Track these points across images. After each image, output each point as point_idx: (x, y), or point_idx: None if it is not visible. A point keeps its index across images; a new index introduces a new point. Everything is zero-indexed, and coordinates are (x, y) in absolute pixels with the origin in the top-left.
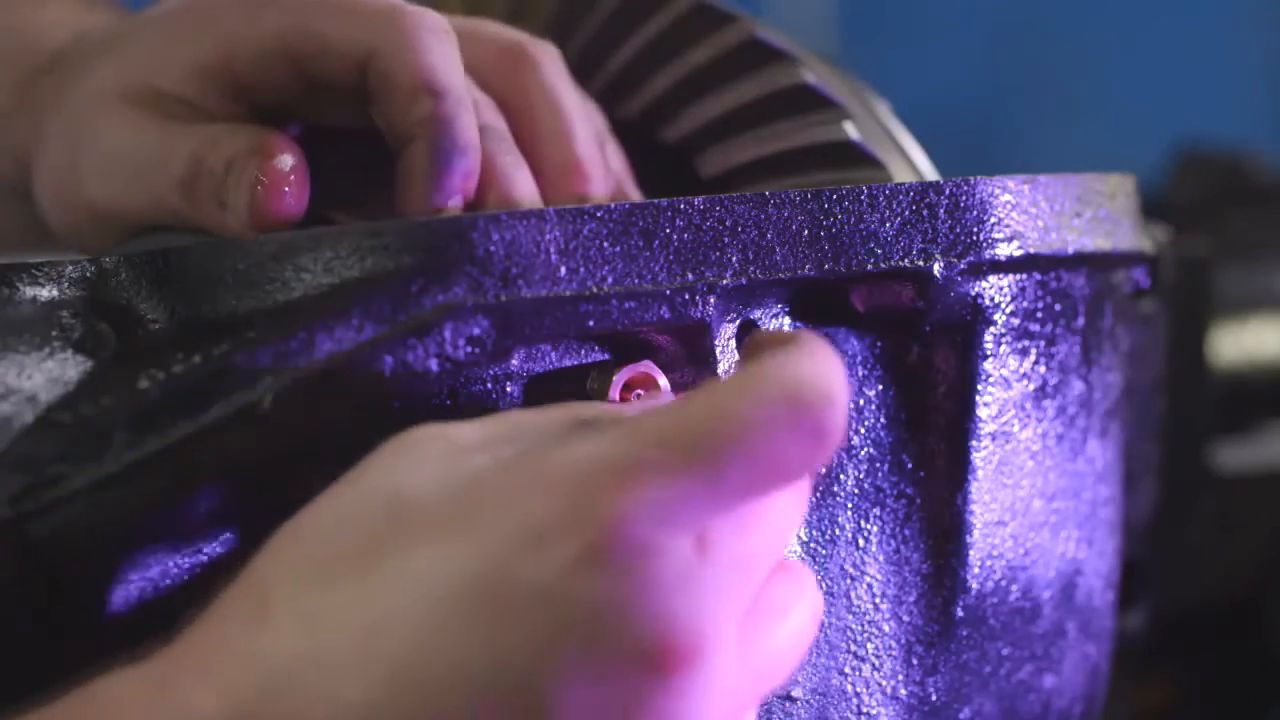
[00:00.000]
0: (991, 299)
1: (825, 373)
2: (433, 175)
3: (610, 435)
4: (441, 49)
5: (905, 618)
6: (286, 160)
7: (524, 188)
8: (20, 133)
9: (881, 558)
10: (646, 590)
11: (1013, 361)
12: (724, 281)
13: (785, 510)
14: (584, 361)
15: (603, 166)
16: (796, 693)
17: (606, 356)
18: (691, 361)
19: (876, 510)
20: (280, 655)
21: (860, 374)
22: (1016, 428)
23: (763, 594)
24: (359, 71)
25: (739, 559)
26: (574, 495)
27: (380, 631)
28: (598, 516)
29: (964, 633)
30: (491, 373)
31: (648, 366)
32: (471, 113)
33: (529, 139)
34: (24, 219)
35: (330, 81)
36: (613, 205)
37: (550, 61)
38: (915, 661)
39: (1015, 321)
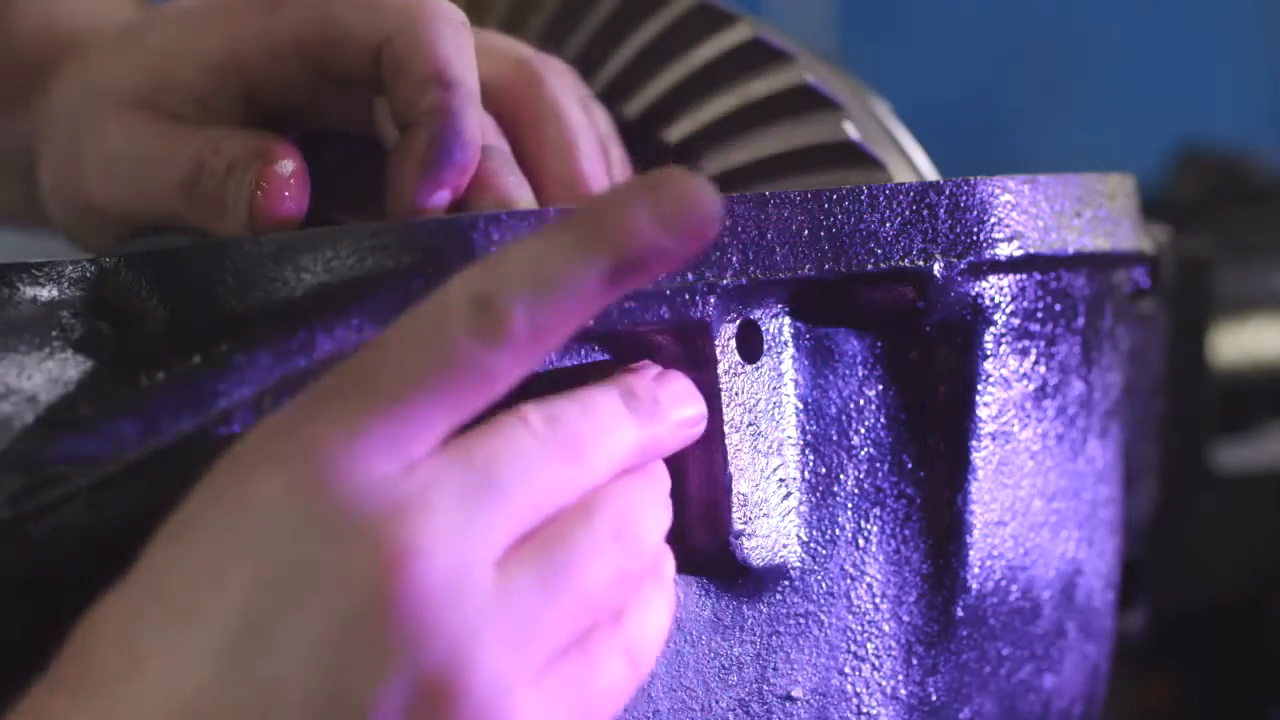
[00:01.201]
0: (991, 299)
1: (494, 257)
2: (428, 164)
3: (303, 393)
4: (458, 41)
5: (905, 618)
6: (287, 165)
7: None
8: (32, 118)
9: (881, 558)
10: (350, 499)
11: (1013, 361)
12: (724, 281)
13: (531, 445)
14: (584, 361)
15: (606, 180)
16: (796, 693)
17: (607, 356)
18: (691, 361)
19: (876, 510)
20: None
21: (860, 374)
22: (1016, 428)
23: (549, 530)
24: (373, 61)
25: (471, 480)
26: (269, 445)
27: (137, 612)
28: (291, 453)
29: (964, 633)
30: None
31: (647, 366)
32: (479, 110)
33: (533, 153)
34: (33, 202)
35: (343, 74)
36: None
37: (555, 76)
38: (915, 661)
39: (1015, 321)
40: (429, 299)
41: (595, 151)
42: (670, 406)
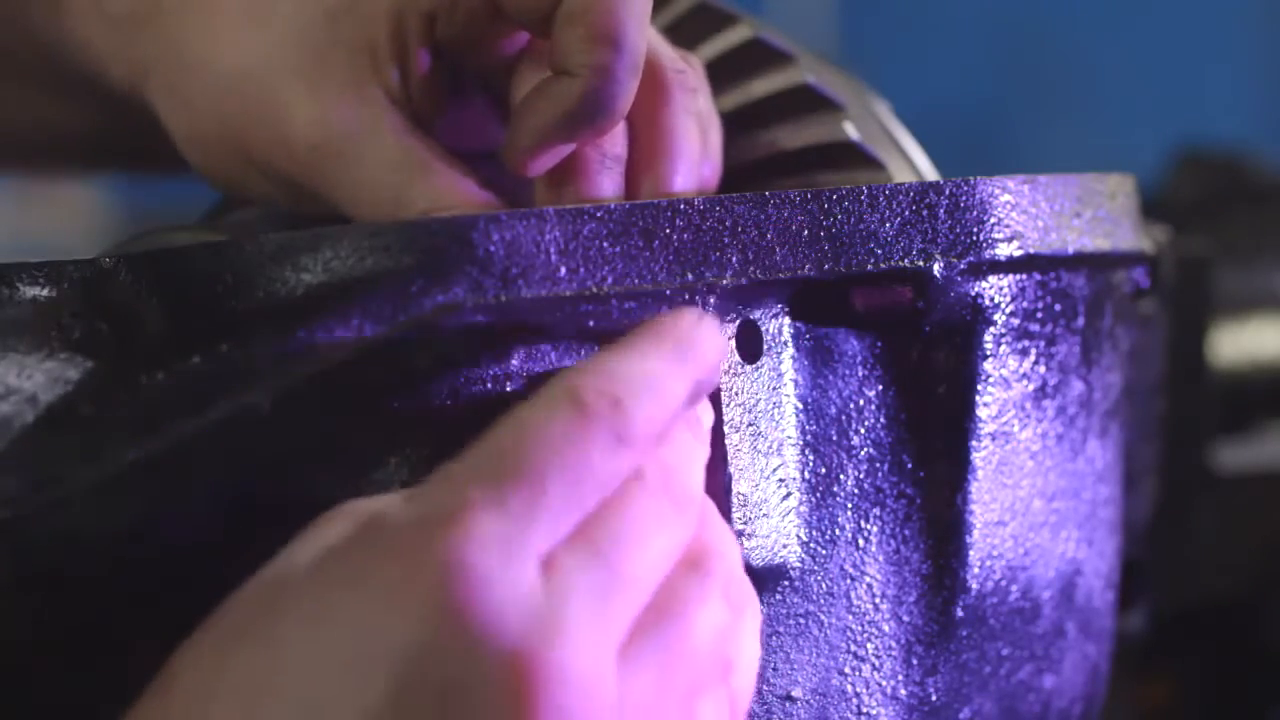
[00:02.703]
0: (991, 299)
1: (607, 366)
2: (569, 116)
3: (430, 488)
4: (641, 9)
5: (905, 618)
6: None
7: None
8: (145, 48)
9: (881, 558)
10: (492, 620)
11: (1013, 362)
12: (724, 281)
13: (651, 508)
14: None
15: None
16: (796, 693)
17: None
18: None
19: (876, 510)
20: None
21: (860, 374)
22: (1016, 428)
23: (663, 594)
24: (554, 3)
25: (603, 576)
26: (410, 552)
27: (258, 696)
28: (434, 564)
29: (964, 633)
30: (491, 373)
31: None
32: (636, 84)
33: (633, 162)
34: (118, 129)
35: (520, 9)
36: (612, 205)
37: (683, 93)
38: (915, 661)
39: (1015, 321)
40: (546, 393)
41: (691, 182)
42: (702, 415)
